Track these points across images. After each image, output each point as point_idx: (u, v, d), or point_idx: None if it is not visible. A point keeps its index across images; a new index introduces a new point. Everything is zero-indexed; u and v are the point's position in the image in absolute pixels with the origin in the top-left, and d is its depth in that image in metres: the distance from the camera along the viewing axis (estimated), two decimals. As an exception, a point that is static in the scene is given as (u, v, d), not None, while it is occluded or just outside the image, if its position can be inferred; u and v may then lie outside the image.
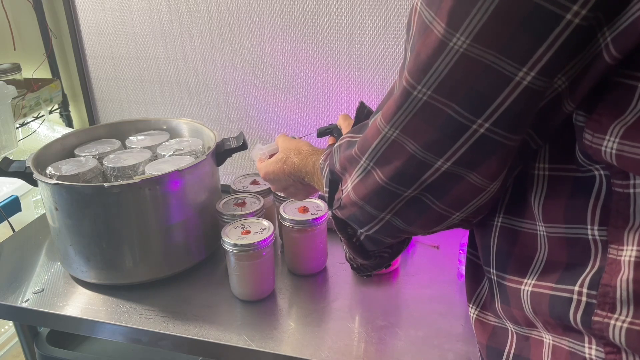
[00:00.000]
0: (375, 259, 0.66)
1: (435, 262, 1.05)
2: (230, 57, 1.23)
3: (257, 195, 1.06)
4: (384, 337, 0.86)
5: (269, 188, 1.10)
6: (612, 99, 0.41)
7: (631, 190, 0.43)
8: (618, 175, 0.43)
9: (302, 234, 0.99)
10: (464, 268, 0.99)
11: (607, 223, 0.44)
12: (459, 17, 0.41)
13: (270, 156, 0.83)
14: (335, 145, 0.62)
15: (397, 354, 0.83)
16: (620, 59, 0.39)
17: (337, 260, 1.06)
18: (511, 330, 0.55)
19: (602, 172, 0.44)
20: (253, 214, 1.01)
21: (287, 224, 0.98)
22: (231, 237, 0.92)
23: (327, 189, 0.63)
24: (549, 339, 0.50)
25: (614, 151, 0.41)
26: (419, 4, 0.45)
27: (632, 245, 0.43)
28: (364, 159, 0.53)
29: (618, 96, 0.40)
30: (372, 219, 0.55)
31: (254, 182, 1.13)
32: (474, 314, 0.61)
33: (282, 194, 0.98)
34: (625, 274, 0.43)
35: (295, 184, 0.79)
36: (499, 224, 0.54)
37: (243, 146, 1.06)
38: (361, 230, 0.58)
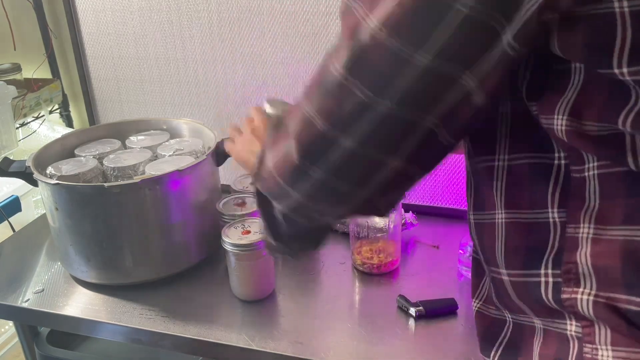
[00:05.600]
0: (284, 245, 0.67)
1: (435, 262, 1.05)
2: (230, 57, 1.23)
3: (257, 195, 1.06)
4: (384, 337, 0.86)
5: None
6: (553, 83, 0.45)
7: (586, 174, 0.47)
8: (576, 161, 0.47)
9: None
10: (464, 268, 1.00)
11: (565, 205, 0.48)
12: (375, 4, 0.45)
13: None
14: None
15: (397, 354, 0.83)
16: (524, 51, 0.42)
17: (338, 260, 1.06)
18: (509, 321, 0.58)
19: (562, 161, 0.48)
20: (253, 214, 1.01)
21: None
22: (231, 237, 0.92)
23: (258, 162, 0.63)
24: (539, 324, 0.53)
25: (563, 128, 0.45)
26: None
27: (589, 224, 0.47)
28: (290, 132, 0.54)
29: (559, 79, 0.45)
30: (285, 194, 0.55)
31: (254, 182, 1.13)
32: (475, 306, 0.64)
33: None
34: (584, 250, 0.47)
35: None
36: (472, 221, 0.58)
37: (243, 146, 1.06)
38: (275, 204, 0.59)
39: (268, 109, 0.85)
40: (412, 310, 0.89)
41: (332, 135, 0.49)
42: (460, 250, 1.00)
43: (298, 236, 0.66)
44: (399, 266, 1.04)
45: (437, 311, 0.90)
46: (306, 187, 0.53)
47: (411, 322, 0.89)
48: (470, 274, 0.99)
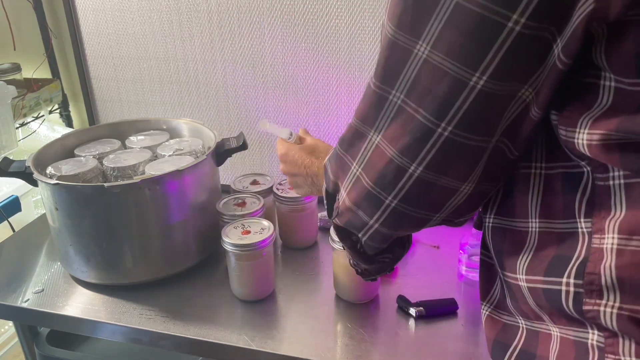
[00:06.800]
0: (377, 264, 0.68)
1: (435, 262, 1.05)
2: (230, 57, 1.23)
3: (257, 195, 1.06)
4: (385, 337, 0.86)
5: (269, 188, 1.10)
6: (581, 97, 0.44)
7: (611, 182, 0.46)
8: (598, 169, 0.46)
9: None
10: (464, 268, 1.00)
11: (591, 215, 0.47)
12: (420, 27, 0.46)
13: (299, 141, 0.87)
14: (327, 157, 0.65)
15: (397, 354, 0.83)
16: (570, 63, 0.42)
17: (337, 260, 1.06)
18: (522, 327, 0.57)
19: (588, 168, 0.47)
20: (253, 214, 1.01)
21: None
22: (231, 237, 0.92)
23: (326, 200, 0.66)
24: (556, 331, 0.52)
25: (585, 142, 0.44)
26: (385, 18, 0.50)
27: (613, 234, 0.45)
28: (354, 164, 0.56)
29: (585, 94, 0.44)
30: (364, 225, 0.58)
31: (254, 182, 1.13)
32: (486, 311, 0.63)
33: (286, 182, 1.08)
34: (608, 261, 0.45)
35: (306, 178, 0.83)
36: (490, 224, 0.58)
37: (243, 146, 1.06)
38: (359, 235, 0.60)
39: (267, 127, 0.90)
40: (412, 311, 0.89)
41: (401, 162, 0.50)
42: (460, 251, 1.00)
43: (385, 250, 0.66)
44: (398, 266, 1.04)
45: (437, 311, 0.90)
46: (383, 215, 0.55)
47: (411, 322, 0.89)
48: (470, 274, 0.99)
